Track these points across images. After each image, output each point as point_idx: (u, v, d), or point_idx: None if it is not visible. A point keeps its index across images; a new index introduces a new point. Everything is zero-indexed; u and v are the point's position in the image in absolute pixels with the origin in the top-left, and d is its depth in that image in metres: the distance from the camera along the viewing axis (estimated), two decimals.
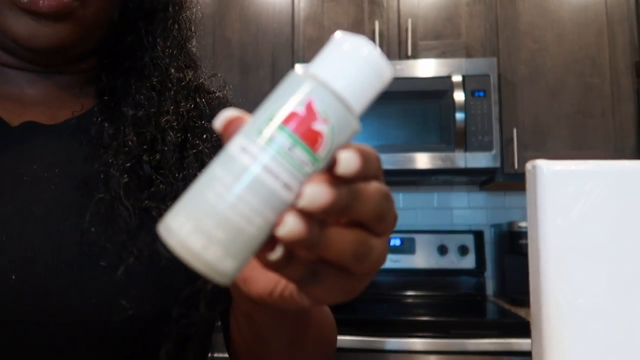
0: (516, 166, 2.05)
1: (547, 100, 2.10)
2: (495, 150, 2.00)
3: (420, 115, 2.04)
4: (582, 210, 0.33)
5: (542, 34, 2.13)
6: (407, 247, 2.26)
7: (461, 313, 1.98)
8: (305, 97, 0.26)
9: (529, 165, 0.35)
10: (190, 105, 0.58)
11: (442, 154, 2.01)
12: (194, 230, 0.25)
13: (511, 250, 2.14)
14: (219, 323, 0.60)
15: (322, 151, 0.25)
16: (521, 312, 1.86)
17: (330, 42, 0.27)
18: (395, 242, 2.26)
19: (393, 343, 1.70)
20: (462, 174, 2.15)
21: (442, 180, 2.35)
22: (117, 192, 0.50)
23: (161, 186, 0.52)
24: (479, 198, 2.40)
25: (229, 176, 0.25)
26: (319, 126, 0.25)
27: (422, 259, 2.26)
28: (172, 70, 0.58)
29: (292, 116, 0.25)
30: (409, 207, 2.41)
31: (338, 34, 0.27)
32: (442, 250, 2.25)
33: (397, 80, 2.03)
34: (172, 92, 0.57)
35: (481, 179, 2.28)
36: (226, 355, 0.59)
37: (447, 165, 2.01)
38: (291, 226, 0.25)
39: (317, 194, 0.25)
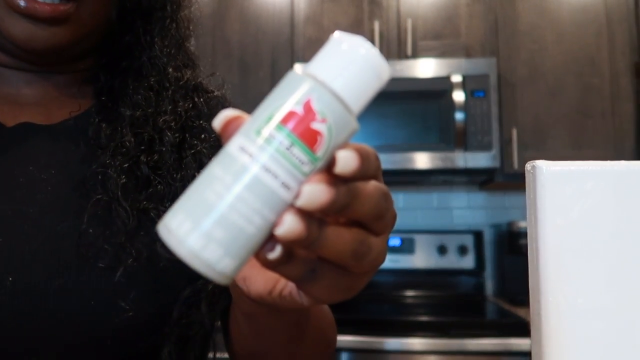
0: (516, 166, 2.05)
1: (547, 100, 2.10)
2: (495, 151, 2.00)
3: (420, 116, 2.04)
4: (581, 211, 0.33)
5: (541, 34, 2.13)
6: (407, 247, 2.26)
7: (461, 313, 1.98)
8: (304, 96, 0.26)
9: (528, 166, 0.34)
10: (189, 104, 0.58)
11: (442, 154, 2.01)
12: (193, 229, 0.25)
13: (511, 250, 2.14)
14: (219, 323, 0.60)
15: (321, 150, 0.26)
16: (520, 312, 1.86)
17: (328, 42, 0.27)
18: (395, 242, 2.26)
19: (392, 343, 1.70)
20: (462, 174, 2.15)
21: (441, 180, 2.35)
22: (115, 193, 0.50)
23: (159, 187, 0.52)
24: (479, 198, 2.40)
25: (228, 176, 0.25)
26: (317, 125, 0.25)
27: (421, 259, 2.26)
28: (170, 70, 0.58)
29: (290, 115, 0.25)
30: (409, 207, 2.41)
31: (336, 34, 0.28)
32: (442, 250, 2.25)
33: (396, 80, 2.03)
34: (170, 92, 0.57)
35: (481, 179, 2.29)
36: (226, 355, 0.59)
37: (447, 165, 2.01)
38: (290, 225, 0.25)
39: (315, 193, 0.25)
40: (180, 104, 0.57)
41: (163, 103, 0.56)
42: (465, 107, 2.01)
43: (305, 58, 2.15)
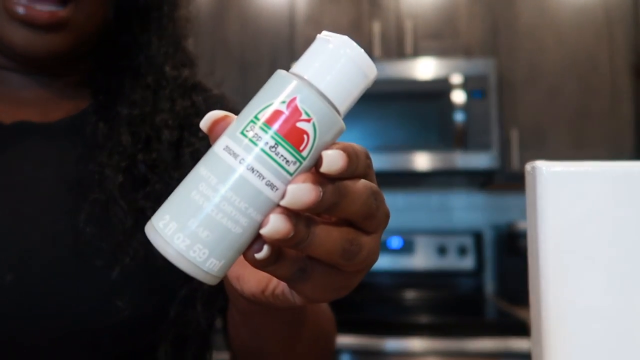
0: (516, 167, 2.05)
1: (547, 100, 2.10)
2: (495, 151, 1.99)
3: (419, 116, 2.04)
4: (582, 211, 0.33)
5: (541, 35, 2.13)
6: (407, 248, 2.26)
7: (460, 314, 1.98)
8: (289, 96, 0.26)
9: (528, 167, 0.34)
10: (187, 103, 0.58)
11: (442, 155, 2.01)
12: (179, 230, 0.25)
13: (511, 251, 2.14)
14: (219, 323, 0.60)
15: (307, 150, 0.26)
16: (520, 312, 1.86)
17: (314, 42, 0.28)
18: (395, 243, 2.26)
19: (392, 343, 1.70)
20: (462, 174, 2.15)
21: (441, 181, 2.35)
22: (112, 192, 0.50)
23: (157, 186, 0.52)
24: (479, 199, 2.39)
25: (213, 176, 0.25)
26: (302, 125, 0.25)
27: (421, 259, 2.26)
28: (168, 69, 0.58)
29: (275, 115, 0.26)
30: (409, 207, 2.40)
31: (323, 34, 0.28)
32: (442, 251, 2.25)
33: (396, 80, 2.03)
34: (168, 91, 0.57)
35: (481, 180, 2.28)
36: (226, 355, 0.59)
37: (447, 166, 2.01)
38: (275, 225, 0.25)
39: (300, 192, 0.25)
40: (178, 102, 0.57)
41: (160, 102, 0.56)
42: (465, 107, 2.01)
43: None
